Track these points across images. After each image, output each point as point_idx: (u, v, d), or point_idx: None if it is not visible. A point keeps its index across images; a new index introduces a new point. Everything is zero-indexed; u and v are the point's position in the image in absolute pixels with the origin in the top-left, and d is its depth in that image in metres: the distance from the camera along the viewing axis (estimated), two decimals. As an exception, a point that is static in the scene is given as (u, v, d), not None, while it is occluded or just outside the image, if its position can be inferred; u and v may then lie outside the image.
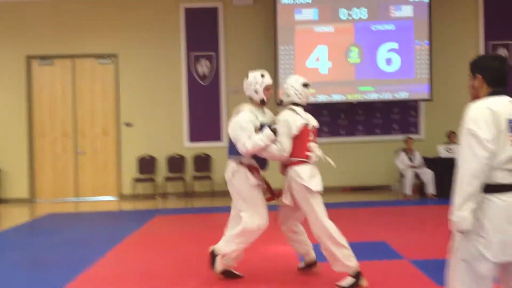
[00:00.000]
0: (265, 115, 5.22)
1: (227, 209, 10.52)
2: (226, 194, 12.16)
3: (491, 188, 2.82)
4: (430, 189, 10.52)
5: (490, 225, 2.81)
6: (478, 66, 3.05)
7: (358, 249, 6.20)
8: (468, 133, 2.83)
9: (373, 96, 11.51)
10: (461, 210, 2.80)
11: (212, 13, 11.90)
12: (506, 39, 11.93)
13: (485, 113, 2.83)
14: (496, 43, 11.93)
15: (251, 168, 5.05)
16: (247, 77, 5.21)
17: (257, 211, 4.97)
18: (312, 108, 11.81)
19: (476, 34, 11.95)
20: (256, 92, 5.13)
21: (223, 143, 11.85)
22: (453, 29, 11.86)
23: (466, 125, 2.86)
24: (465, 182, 2.80)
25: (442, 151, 10.64)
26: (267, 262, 5.83)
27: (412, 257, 5.82)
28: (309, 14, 11.49)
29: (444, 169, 9.77)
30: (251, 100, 5.22)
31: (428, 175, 10.57)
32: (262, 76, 5.16)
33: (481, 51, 11.90)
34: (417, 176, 10.77)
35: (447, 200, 3.27)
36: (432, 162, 10.75)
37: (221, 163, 11.83)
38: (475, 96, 3.02)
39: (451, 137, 11.05)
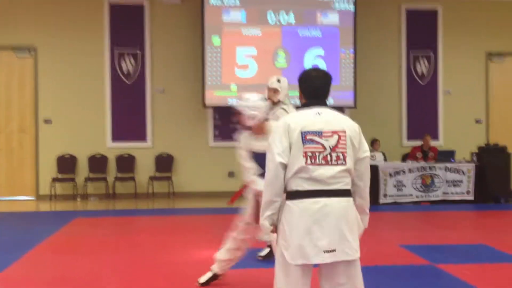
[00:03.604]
0: None
1: (151, 212, 10.36)
2: (149, 196, 11.98)
3: (289, 195, 3.02)
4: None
5: (288, 229, 2.99)
6: (298, 80, 3.29)
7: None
8: (268, 147, 3.07)
9: (299, 101, 11.60)
10: (262, 218, 3.07)
11: (138, 10, 11.64)
12: (427, 51, 12.38)
13: (280, 127, 3.07)
14: (418, 54, 12.35)
15: None
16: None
17: None
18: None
19: (399, 45, 12.31)
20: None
21: (148, 143, 11.63)
22: (377, 38, 12.16)
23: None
24: (263, 191, 3.08)
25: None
26: (190, 266, 5.72)
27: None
28: (237, 16, 11.45)
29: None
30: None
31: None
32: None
33: (403, 61, 12.29)
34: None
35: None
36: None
37: (145, 164, 11.58)
38: None
39: (375, 144, 11.33)
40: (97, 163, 11.44)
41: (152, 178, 11.43)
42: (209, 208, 10.24)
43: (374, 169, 9.76)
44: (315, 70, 3.33)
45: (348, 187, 3.04)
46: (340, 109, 11.59)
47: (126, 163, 11.52)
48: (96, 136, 11.51)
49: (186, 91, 11.69)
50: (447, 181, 10.44)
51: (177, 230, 7.98)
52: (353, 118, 3.64)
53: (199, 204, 10.74)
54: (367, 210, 3.24)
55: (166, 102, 11.68)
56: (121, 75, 11.62)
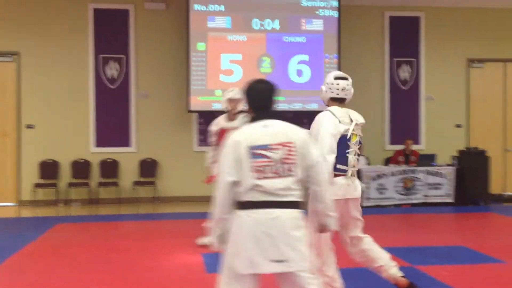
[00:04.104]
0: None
1: (134, 217, 10.31)
2: (133, 201, 11.91)
3: (241, 205, 3.06)
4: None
5: (239, 239, 3.03)
6: (244, 93, 3.26)
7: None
8: (219, 164, 3.15)
9: (284, 106, 11.66)
10: (212, 234, 3.17)
11: (122, 15, 11.61)
12: (410, 57, 12.50)
13: (228, 146, 3.08)
14: (400, 60, 12.47)
15: None
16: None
17: None
18: (223, 116, 11.85)
19: (382, 51, 12.42)
20: None
21: (132, 149, 11.60)
22: (360, 44, 12.25)
23: None
24: (214, 210, 3.13)
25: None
26: (174, 271, 5.73)
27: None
28: (222, 22, 11.49)
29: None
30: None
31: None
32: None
33: (386, 67, 12.40)
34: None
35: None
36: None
37: (129, 169, 11.55)
38: None
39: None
40: (80, 168, 11.38)
41: (136, 183, 11.40)
42: (193, 212, 10.20)
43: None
44: (260, 82, 3.29)
45: (299, 199, 3.10)
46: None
47: (110, 168, 11.48)
48: (79, 141, 11.45)
49: (171, 96, 11.69)
50: (428, 184, 10.56)
51: (161, 235, 7.97)
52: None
53: (183, 209, 10.72)
54: (331, 213, 3.30)
55: (150, 107, 11.67)
56: (105, 79, 11.59)
